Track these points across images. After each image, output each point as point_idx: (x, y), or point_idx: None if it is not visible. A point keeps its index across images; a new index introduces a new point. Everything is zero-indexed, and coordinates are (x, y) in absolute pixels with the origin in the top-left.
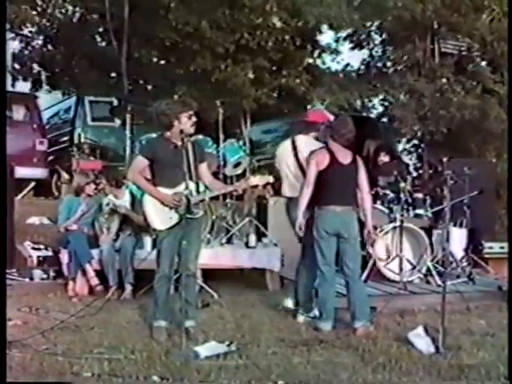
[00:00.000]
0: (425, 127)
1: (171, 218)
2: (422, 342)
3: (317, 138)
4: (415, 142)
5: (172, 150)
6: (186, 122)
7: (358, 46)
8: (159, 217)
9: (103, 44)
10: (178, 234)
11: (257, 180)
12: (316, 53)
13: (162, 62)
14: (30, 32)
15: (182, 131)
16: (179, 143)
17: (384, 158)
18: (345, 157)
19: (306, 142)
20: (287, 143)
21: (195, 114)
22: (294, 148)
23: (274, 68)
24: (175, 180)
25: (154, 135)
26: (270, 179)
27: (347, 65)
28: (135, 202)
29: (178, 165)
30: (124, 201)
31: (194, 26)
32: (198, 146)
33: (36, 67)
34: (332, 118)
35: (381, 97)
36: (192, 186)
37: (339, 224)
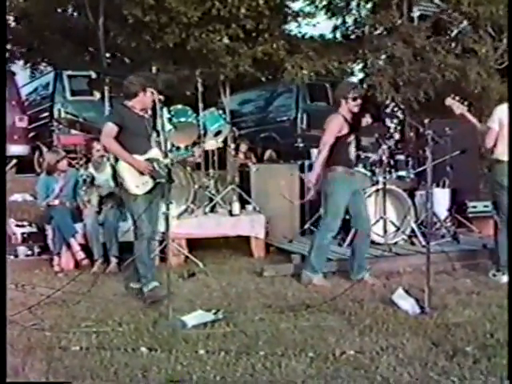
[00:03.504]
0: (404, 92)
1: (146, 183)
2: (406, 303)
3: None
4: (394, 104)
5: (136, 119)
6: (149, 96)
7: (335, 12)
8: (134, 182)
9: (78, 18)
10: (150, 198)
11: (210, 145)
12: (290, 17)
13: (136, 36)
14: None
15: (144, 102)
16: (141, 113)
17: (367, 119)
18: None
19: None
20: (504, 106)
21: (157, 90)
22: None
23: (249, 36)
24: (143, 147)
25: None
26: (219, 144)
27: (321, 35)
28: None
29: (142, 132)
30: (105, 174)
31: None
32: (150, 119)
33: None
34: None
35: (359, 63)
36: (159, 152)
37: None
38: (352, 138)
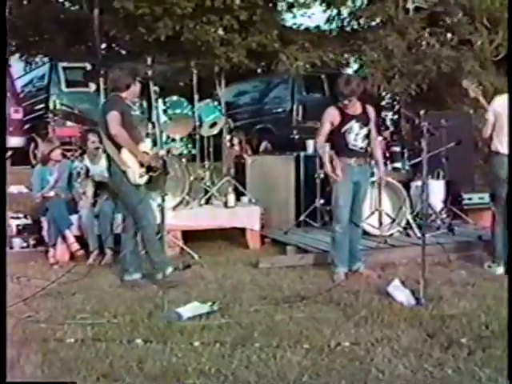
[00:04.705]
0: (399, 83)
1: (142, 176)
2: (401, 294)
3: None
4: (390, 96)
5: (129, 110)
6: (138, 86)
7: (330, 3)
8: (138, 172)
9: (72, 9)
10: (147, 189)
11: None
12: (285, 7)
13: (130, 28)
14: None
15: (135, 92)
16: (130, 104)
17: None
18: None
19: None
20: (501, 98)
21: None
22: None
23: (243, 27)
24: (138, 138)
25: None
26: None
27: (317, 26)
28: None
29: (134, 124)
30: (100, 166)
31: None
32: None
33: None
34: None
35: (354, 54)
36: (148, 145)
37: None
38: (348, 126)
